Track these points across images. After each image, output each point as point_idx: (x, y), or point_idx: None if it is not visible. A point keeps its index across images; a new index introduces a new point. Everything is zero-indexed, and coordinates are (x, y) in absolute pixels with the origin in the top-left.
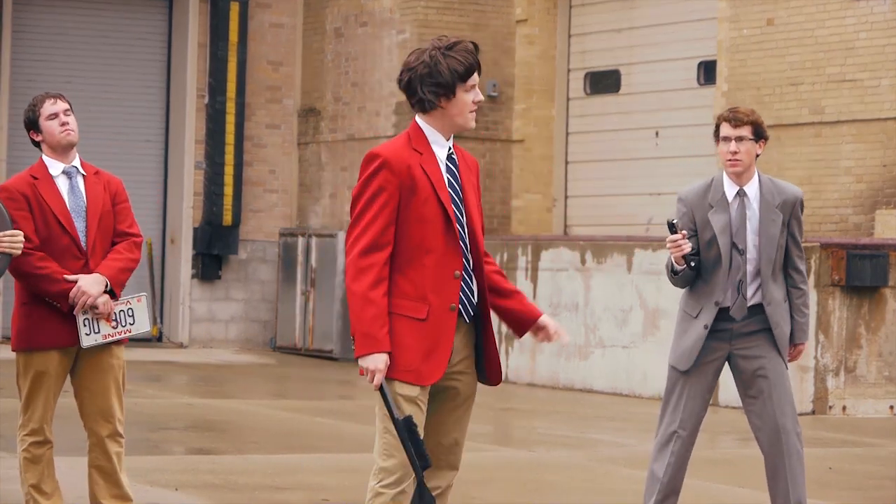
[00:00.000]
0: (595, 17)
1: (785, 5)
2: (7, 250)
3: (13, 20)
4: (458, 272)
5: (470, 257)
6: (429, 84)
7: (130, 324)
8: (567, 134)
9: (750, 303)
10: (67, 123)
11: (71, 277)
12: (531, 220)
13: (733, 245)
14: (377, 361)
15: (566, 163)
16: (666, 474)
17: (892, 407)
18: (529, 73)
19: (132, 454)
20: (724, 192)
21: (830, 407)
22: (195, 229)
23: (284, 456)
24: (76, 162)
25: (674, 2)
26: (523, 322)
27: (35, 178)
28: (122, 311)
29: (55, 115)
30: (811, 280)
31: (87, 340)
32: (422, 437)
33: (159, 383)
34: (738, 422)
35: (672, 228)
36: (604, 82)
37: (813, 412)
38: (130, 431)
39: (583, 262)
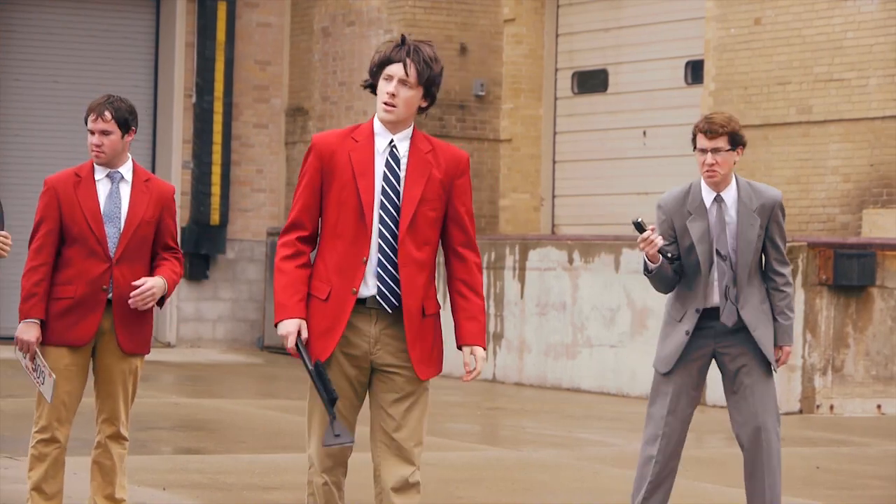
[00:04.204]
0: (582, 16)
1: (772, 5)
2: None
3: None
4: (365, 258)
5: (395, 246)
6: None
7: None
8: (555, 133)
9: None
10: (101, 145)
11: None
12: (519, 219)
13: (717, 252)
14: (286, 326)
15: (554, 162)
16: (652, 473)
17: (879, 406)
18: (517, 73)
19: None
20: (702, 199)
21: (818, 406)
22: (183, 229)
23: (272, 455)
24: (124, 168)
25: (661, 1)
26: (456, 337)
27: (78, 177)
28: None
29: (92, 133)
30: (798, 279)
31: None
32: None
33: (147, 383)
34: (725, 422)
35: (639, 228)
36: (591, 82)
37: (800, 411)
38: None
39: (570, 261)
